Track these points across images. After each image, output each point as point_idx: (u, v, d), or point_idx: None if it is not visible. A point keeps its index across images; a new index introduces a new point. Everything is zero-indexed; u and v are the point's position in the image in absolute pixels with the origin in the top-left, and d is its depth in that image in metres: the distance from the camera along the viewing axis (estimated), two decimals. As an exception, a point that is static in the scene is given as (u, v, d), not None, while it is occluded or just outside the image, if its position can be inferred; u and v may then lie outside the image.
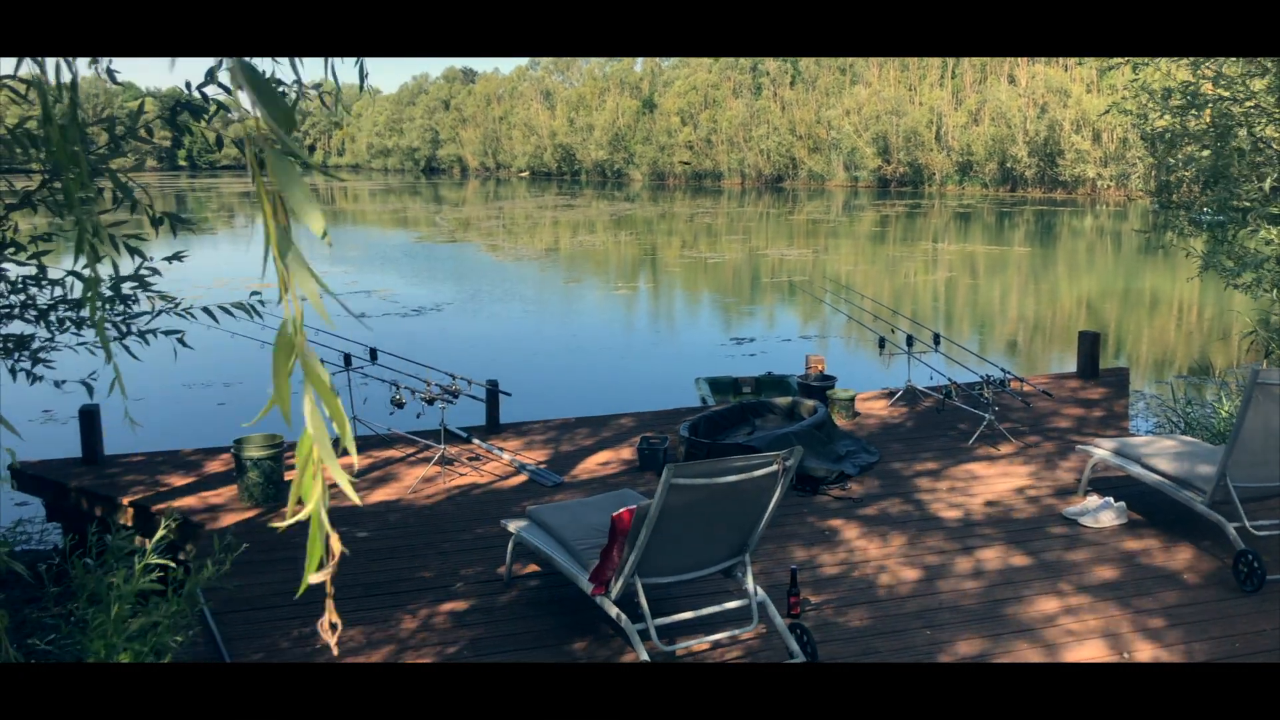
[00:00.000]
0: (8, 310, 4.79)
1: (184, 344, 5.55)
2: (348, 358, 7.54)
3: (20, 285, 5.00)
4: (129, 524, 6.02)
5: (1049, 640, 4.43)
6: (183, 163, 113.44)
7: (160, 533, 4.31)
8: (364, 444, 7.51)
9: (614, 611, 4.14)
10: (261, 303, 5.67)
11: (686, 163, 77.49)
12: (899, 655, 4.31)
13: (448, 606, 4.79)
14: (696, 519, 4.13)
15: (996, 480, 6.64)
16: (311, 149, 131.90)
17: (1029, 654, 4.32)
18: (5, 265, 4.97)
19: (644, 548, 4.04)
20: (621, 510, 4.22)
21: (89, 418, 6.84)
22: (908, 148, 64.96)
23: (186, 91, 4.87)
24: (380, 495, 6.40)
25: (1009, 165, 59.77)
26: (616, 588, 4.14)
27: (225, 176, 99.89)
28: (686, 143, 77.95)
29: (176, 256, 5.83)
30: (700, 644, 4.36)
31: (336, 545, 1.08)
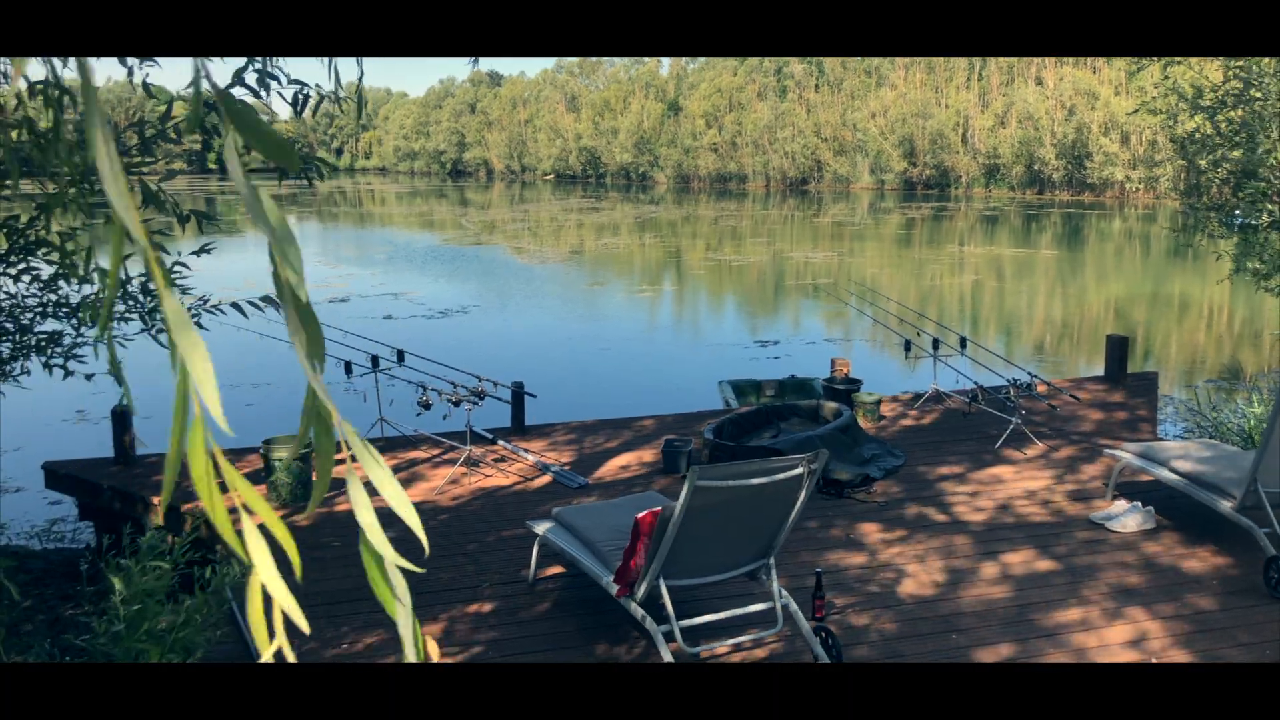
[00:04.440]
0: (41, 309, 4.87)
1: (201, 325, 5.57)
2: (375, 359, 7.60)
3: (52, 283, 5.07)
4: (160, 523, 6.10)
5: (1075, 645, 4.41)
6: (212, 165, 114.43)
7: (168, 533, 4.37)
8: (390, 445, 7.57)
9: (638, 613, 4.16)
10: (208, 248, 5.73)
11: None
12: (924, 659, 4.30)
13: (473, 608, 4.82)
14: (721, 521, 4.14)
15: (1023, 484, 6.60)
16: (339, 152, 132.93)
17: (1055, 659, 4.29)
18: (37, 264, 5.05)
19: (668, 549, 4.05)
20: (645, 512, 4.24)
21: (121, 418, 6.93)
22: (934, 150, 64.64)
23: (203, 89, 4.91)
24: (407, 497, 6.44)
25: (1036, 168, 59.36)
26: (641, 589, 4.16)
27: (254, 180, 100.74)
28: (711, 145, 77.92)
29: (204, 249, 5.91)
30: (724, 646, 4.37)
31: (435, 651, 1.09)
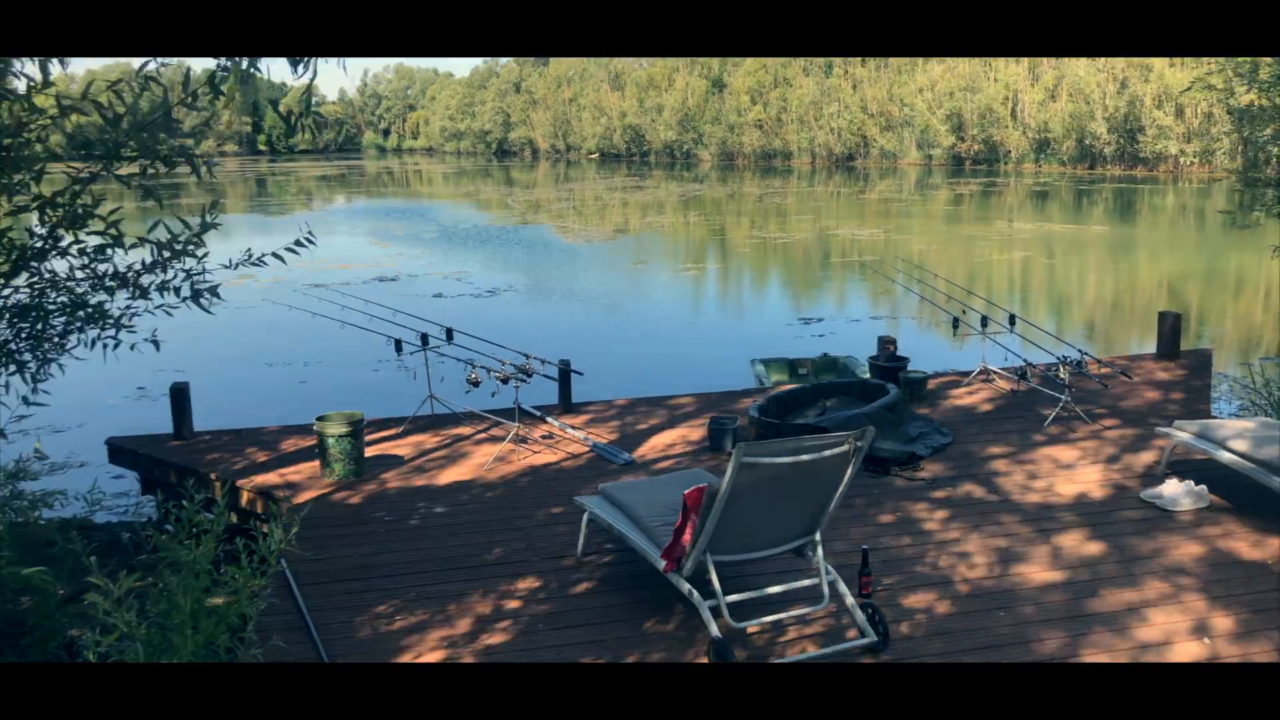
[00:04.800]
0: (92, 280, 4.97)
1: (216, 295, 5.52)
2: (424, 337, 7.70)
3: (100, 253, 5.10)
4: (216, 498, 6.24)
5: (1127, 627, 4.38)
6: (262, 147, 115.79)
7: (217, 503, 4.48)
8: (439, 422, 7.68)
9: (686, 588, 4.20)
10: (311, 238, 5.63)
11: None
12: (973, 638, 4.30)
13: (523, 584, 4.90)
14: (768, 498, 4.17)
15: (1072, 463, 6.55)
16: (386, 133, 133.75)
17: (1107, 640, 4.27)
18: (86, 237, 5.11)
19: (715, 525, 4.09)
20: (693, 488, 4.28)
21: (179, 395, 7.10)
22: (982, 125, 63.61)
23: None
24: (456, 473, 6.55)
25: (1087, 142, 58.17)
26: (688, 564, 4.20)
27: (303, 161, 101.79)
28: (756, 122, 77.33)
29: (210, 225, 5.85)
30: (770, 621, 4.40)
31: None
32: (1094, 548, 5.21)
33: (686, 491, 4.28)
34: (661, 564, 4.34)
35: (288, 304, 5.70)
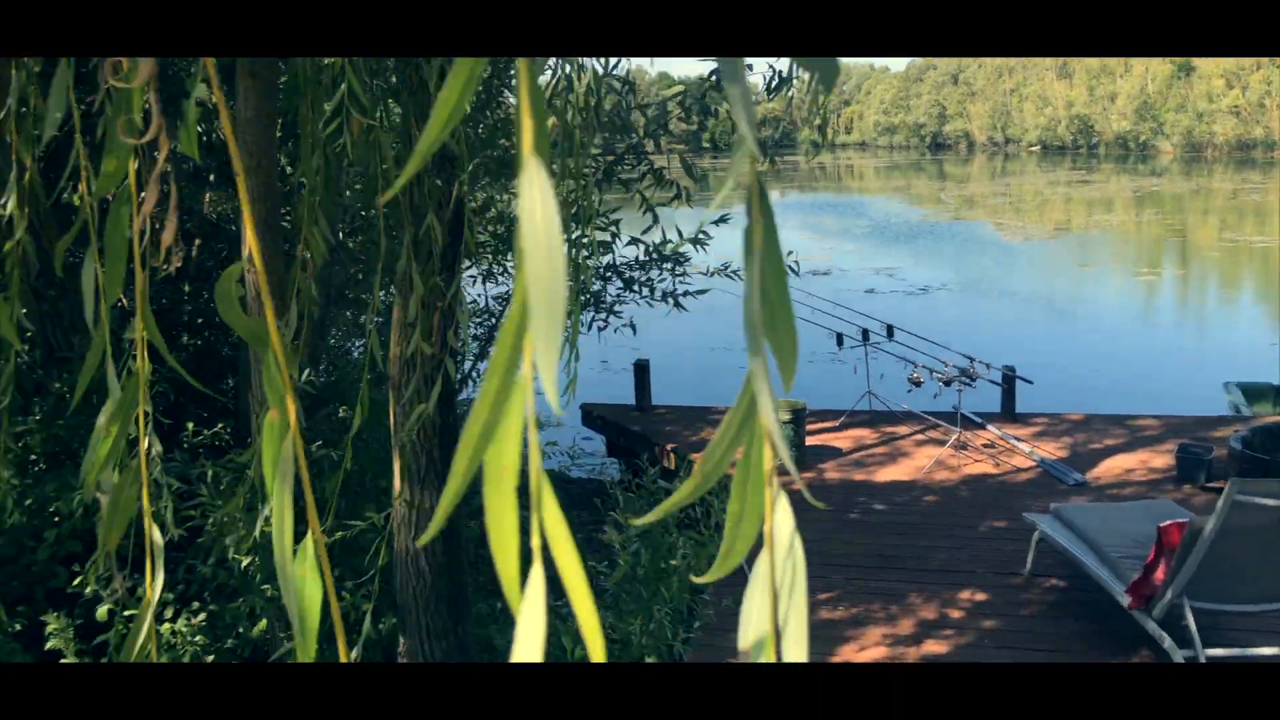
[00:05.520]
0: (599, 273, 5.60)
1: (679, 305, 6.06)
2: (865, 332, 7.76)
3: (604, 248, 5.76)
4: (672, 467, 6.78)
5: None
6: (705, 144, 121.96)
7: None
8: (878, 419, 7.71)
9: (1156, 631, 3.91)
10: (795, 264, 6.04)
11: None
12: None
13: (965, 595, 4.82)
14: (1262, 544, 3.75)
15: None
16: (820, 128, 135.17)
17: None
18: (591, 231, 5.77)
19: (1196, 568, 3.76)
20: (1170, 523, 3.96)
21: (641, 370, 7.78)
22: None
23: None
24: (895, 472, 6.56)
25: None
26: (1160, 606, 3.90)
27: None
28: (1232, 109, 68.46)
29: (695, 243, 6.36)
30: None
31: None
32: None
33: (1163, 525, 3.97)
34: (1126, 599, 4.07)
35: (735, 293, 6.01)
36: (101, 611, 3.99)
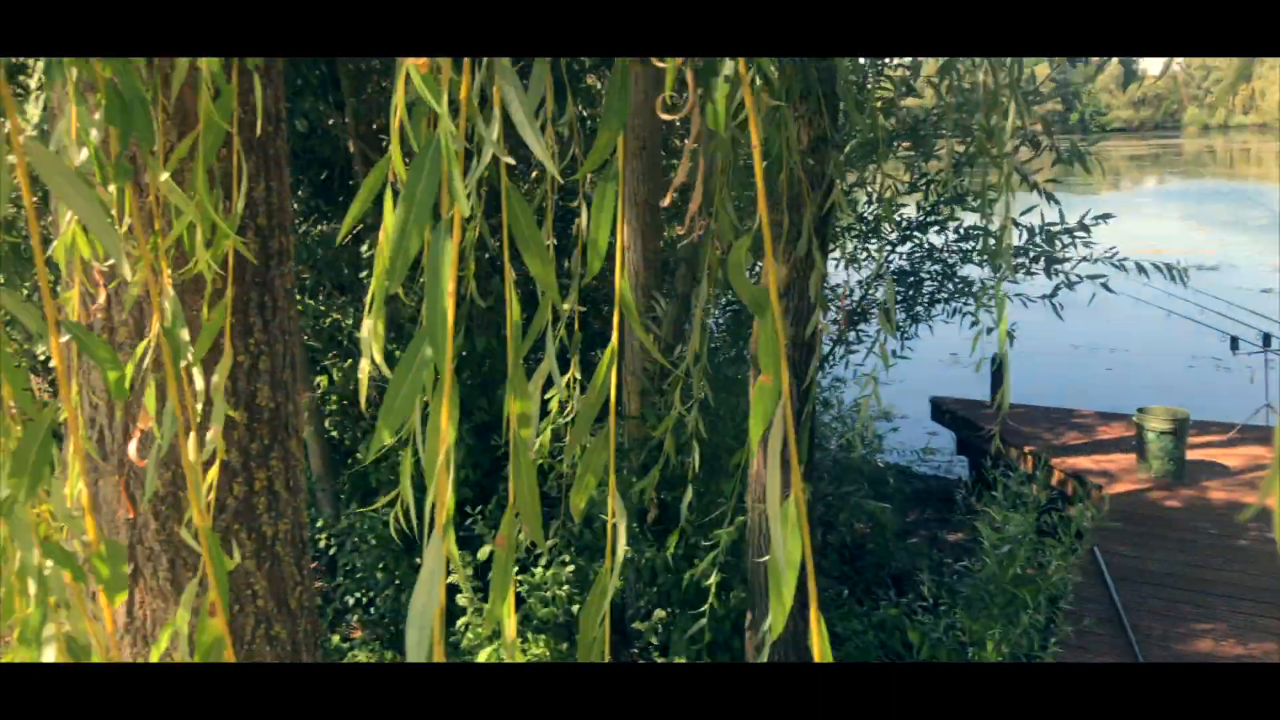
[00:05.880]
0: (962, 254, 5.40)
1: (1108, 289, 5.67)
2: (1267, 337, 6.91)
3: (976, 230, 5.54)
4: (1028, 470, 6.44)
5: None
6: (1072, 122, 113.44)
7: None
8: (1268, 435, 6.86)
9: None
10: (1184, 271, 5.54)
11: None
12: None
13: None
14: None
15: None
16: (1212, 108, 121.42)
17: None
18: (962, 214, 5.57)
19: None
20: None
21: (999, 367, 7.43)
22: None
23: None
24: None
25: None
26: None
27: (1115, 139, 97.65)
28: None
29: (1104, 217, 5.96)
30: None
31: None
32: None
33: None
34: None
35: (1103, 282, 5.57)
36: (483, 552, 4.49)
